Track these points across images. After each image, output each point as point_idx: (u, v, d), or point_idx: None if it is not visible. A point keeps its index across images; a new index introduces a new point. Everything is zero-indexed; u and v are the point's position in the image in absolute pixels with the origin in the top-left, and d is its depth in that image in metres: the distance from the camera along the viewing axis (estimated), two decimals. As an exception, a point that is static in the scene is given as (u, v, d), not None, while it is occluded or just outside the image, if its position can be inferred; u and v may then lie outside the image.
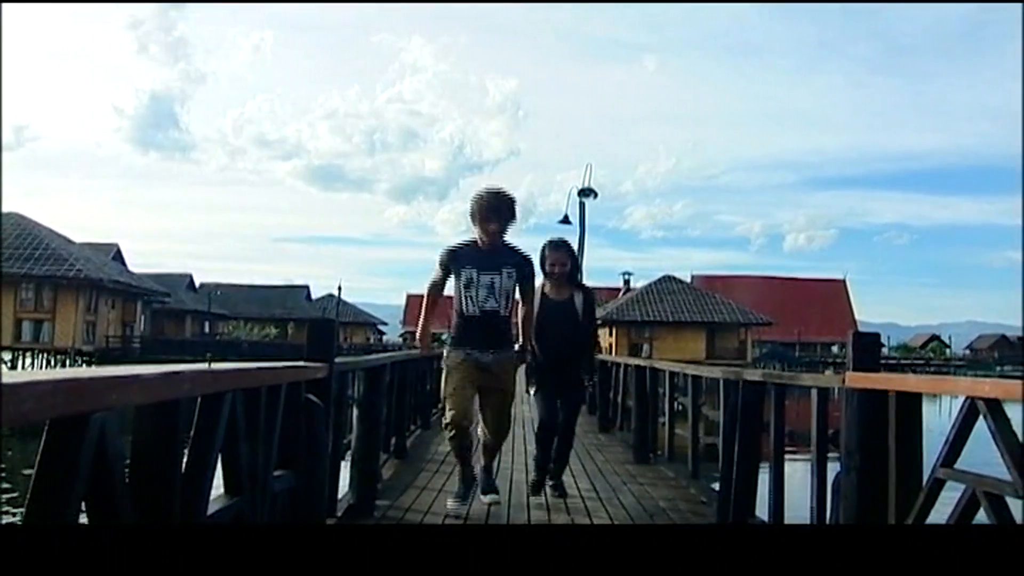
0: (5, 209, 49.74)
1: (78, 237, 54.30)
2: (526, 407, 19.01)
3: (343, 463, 6.80)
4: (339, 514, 6.07)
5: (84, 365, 47.71)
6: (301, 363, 4.78)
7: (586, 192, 30.23)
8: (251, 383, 3.45)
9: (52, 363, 48.77)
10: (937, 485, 3.88)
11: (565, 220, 31.94)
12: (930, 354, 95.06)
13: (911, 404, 4.42)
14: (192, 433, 2.96)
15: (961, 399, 3.79)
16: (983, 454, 3.82)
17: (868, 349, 5.06)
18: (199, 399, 2.96)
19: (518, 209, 6.44)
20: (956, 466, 3.78)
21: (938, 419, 5.61)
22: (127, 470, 2.47)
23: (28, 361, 49.37)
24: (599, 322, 59.53)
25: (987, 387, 3.57)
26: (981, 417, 3.54)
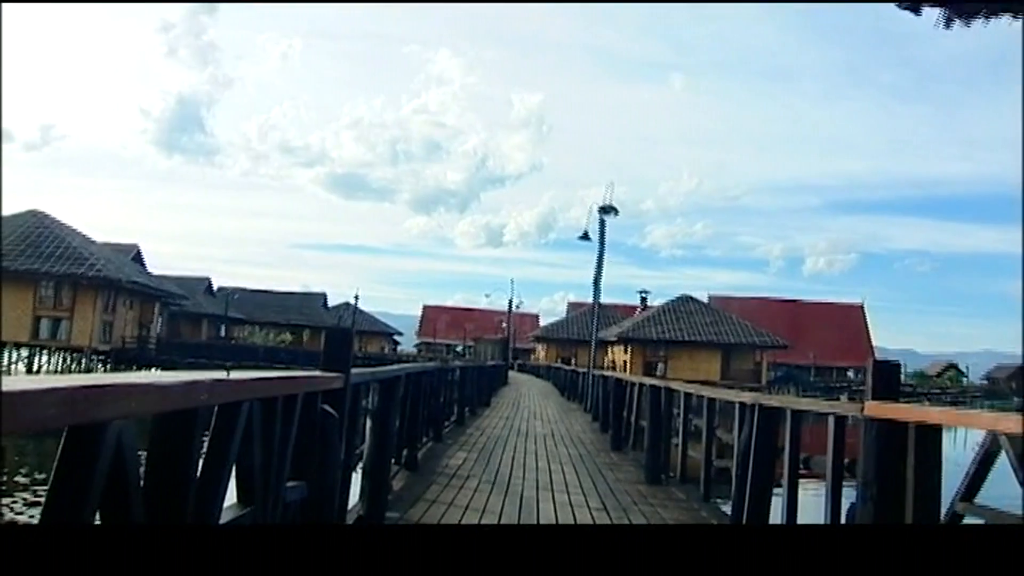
0: (28, 206, 50.14)
1: (99, 237, 54.63)
2: (538, 422, 19.04)
3: (354, 474, 6.78)
4: (349, 524, 6.05)
5: (100, 364, 47.94)
6: (317, 373, 4.76)
7: (607, 209, 30.30)
8: (268, 393, 3.44)
9: (68, 361, 48.97)
10: (955, 519, 3.84)
11: (585, 236, 32.02)
12: (947, 383, 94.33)
13: (931, 436, 4.38)
14: (208, 441, 2.94)
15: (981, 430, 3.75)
16: (1003, 488, 3.78)
17: (888, 378, 5.02)
18: (216, 407, 2.95)
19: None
20: (976, 500, 3.74)
21: (953, 449, 5.53)
22: (142, 476, 2.47)
23: (44, 359, 49.58)
24: (614, 339, 59.58)
25: (1011, 423, 3.53)
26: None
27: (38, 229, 47.96)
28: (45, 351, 49.01)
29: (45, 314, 47.02)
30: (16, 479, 15.39)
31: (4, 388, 1.56)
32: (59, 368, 49.26)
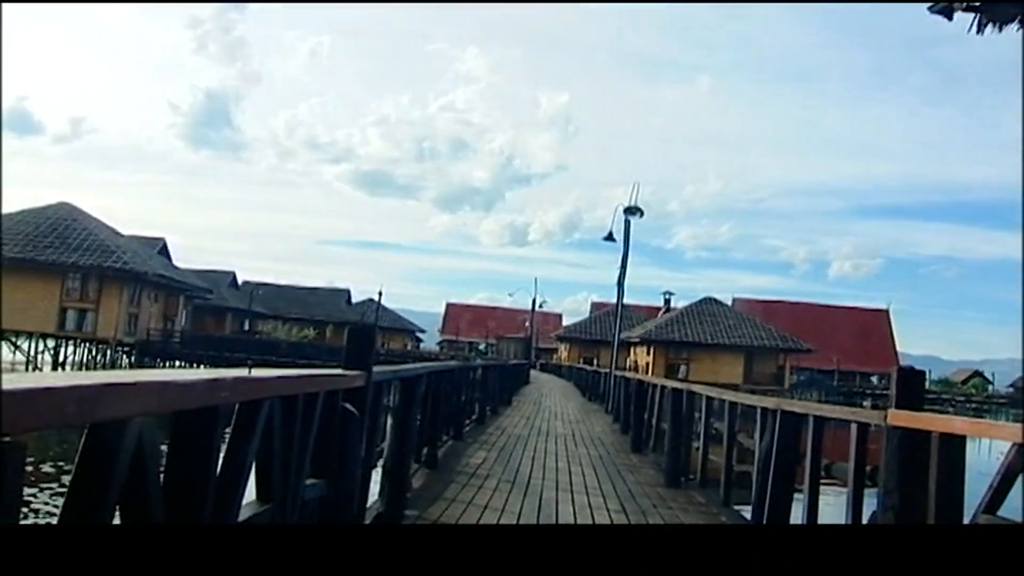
0: (57, 199, 50.61)
1: (126, 230, 55.02)
2: (559, 422, 19.02)
3: (375, 471, 6.79)
4: (367, 523, 6.07)
5: (124, 356, 48.30)
6: (339, 371, 4.78)
7: (632, 210, 30.21)
8: (290, 391, 3.45)
9: (94, 353, 49.38)
10: (978, 531, 3.79)
11: (610, 237, 31.94)
12: (972, 390, 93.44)
13: (954, 446, 4.33)
14: (228, 438, 2.96)
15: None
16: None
17: (912, 386, 4.97)
18: (237, 405, 2.96)
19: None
20: (1000, 513, 3.70)
21: (978, 457, 5.49)
22: (163, 472, 2.48)
23: (71, 350, 50.03)
24: (637, 340, 59.42)
25: (1036, 435, 3.49)
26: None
27: (66, 221, 48.39)
28: (71, 342, 49.47)
29: (71, 305, 47.38)
30: (43, 469, 15.55)
31: (24, 385, 1.57)
32: (84, 360, 49.71)
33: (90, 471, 2.00)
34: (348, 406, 4.55)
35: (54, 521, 2.05)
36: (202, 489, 2.64)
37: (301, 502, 3.77)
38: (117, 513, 2.11)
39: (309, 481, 3.97)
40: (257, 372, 2.98)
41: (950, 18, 6.64)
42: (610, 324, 37.66)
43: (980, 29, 6.44)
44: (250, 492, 3.22)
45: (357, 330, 5.41)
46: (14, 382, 1.54)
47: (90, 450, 1.99)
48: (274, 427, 3.22)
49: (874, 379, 79.46)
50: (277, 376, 3.27)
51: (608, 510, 8.17)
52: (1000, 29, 6.40)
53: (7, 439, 1.54)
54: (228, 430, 2.95)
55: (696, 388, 11.75)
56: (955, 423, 4.56)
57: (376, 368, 5.43)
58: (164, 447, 2.52)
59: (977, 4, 6.41)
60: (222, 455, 2.88)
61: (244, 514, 3.04)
